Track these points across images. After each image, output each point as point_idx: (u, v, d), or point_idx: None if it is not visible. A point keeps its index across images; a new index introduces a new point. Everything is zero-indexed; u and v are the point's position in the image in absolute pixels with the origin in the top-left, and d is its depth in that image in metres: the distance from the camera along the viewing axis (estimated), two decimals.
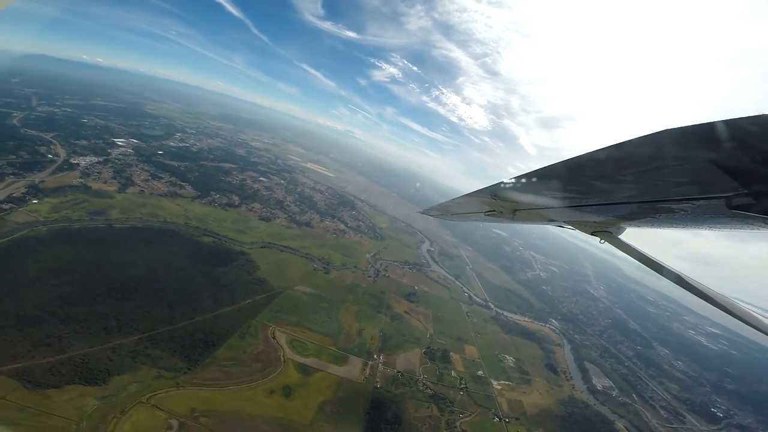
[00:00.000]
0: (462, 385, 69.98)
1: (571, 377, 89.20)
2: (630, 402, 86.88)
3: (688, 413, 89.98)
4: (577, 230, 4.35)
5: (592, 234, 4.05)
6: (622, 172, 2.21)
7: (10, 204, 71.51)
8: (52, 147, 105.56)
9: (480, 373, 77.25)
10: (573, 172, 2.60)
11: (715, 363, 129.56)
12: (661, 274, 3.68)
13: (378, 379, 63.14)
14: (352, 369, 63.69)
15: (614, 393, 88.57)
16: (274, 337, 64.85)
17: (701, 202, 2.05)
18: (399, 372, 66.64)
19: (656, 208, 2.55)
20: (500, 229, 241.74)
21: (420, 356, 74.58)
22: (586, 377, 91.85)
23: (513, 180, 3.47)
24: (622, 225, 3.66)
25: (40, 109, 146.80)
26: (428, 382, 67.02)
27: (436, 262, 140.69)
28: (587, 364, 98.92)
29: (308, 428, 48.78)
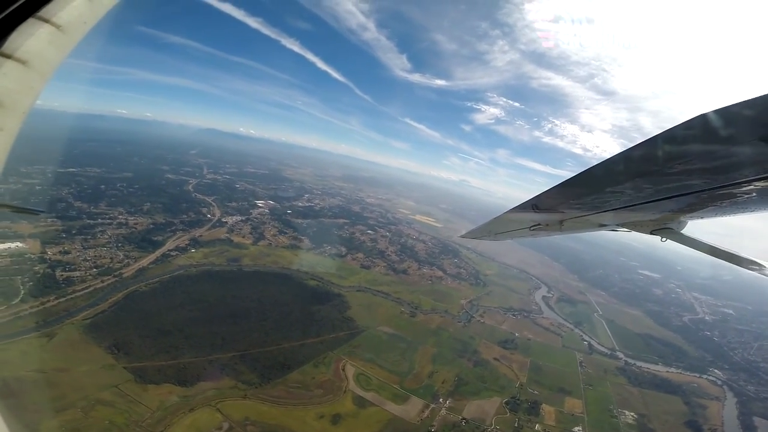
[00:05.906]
0: None
1: None
2: None
3: None
4: (633, 232, 4.02)
5: (651, 233, 3.71)
6: (674, 162, 2.00)
7: (177, 252, 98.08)
8: (211, 208, 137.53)
9: (577, 429, 62.80)
10: (620, 170, 2.43)
11: None
12: (740, 265, 3.48)
13: (435, 423, 57.96)
14: (410, 409, 60.37)
15: None
16: (343, 370, 67.76)
17: (765, 182, 1.92)
18: (464, 419, 59.62)
19: (717, 196, 2.36)
20: (650, 269, 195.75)
21: (499, 405, 65.11)
22: None
23: (555, 189, 3.22)
24: (683, 219, 3.39)
25: (208, 176, 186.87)
26: None
27: (551, 309, 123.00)
28: (758, 421, 70.34)
29: None
